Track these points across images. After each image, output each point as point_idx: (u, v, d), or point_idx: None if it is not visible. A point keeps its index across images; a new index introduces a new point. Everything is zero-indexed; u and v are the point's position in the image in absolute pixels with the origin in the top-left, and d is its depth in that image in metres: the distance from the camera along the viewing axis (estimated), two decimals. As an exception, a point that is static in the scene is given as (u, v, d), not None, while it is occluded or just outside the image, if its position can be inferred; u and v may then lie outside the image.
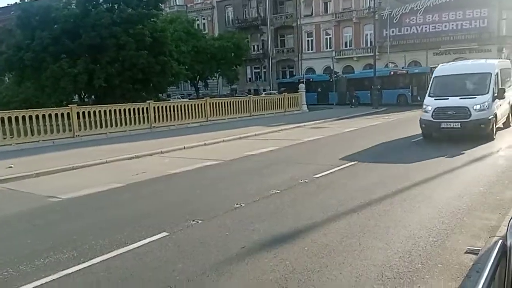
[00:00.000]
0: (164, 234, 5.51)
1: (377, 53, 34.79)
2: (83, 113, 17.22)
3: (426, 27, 40.41)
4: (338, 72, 39.68)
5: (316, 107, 30.90)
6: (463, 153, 10.23)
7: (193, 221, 5.99)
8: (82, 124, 17.22)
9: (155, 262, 4.70)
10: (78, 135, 16.91)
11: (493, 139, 11.94)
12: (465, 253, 4.42)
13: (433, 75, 13.36)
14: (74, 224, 6.41)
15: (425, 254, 4.47)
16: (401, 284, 3.84)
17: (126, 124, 18.67)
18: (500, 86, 12.48)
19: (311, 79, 38.64)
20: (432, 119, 12.04)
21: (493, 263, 1.85)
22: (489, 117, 11.63)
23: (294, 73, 50.62)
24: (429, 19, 40.28)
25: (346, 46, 46.65)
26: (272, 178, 8.72)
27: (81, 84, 25.03)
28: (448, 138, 12.20)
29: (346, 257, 4.51)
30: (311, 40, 49.35)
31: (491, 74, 12.28)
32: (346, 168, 9.33)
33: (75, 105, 19.33)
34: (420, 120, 12.59)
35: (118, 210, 7.19)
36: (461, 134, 11.80)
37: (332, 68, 40.31)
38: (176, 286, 4.05)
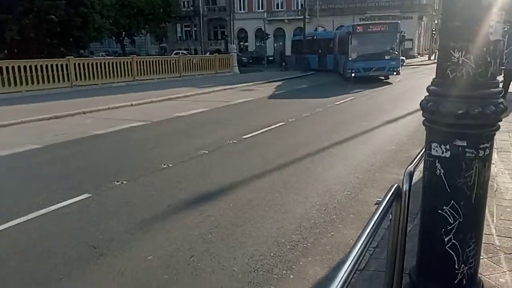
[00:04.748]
0: (86, 195, 5.36)
1: (307, 16, 35.20)
2: (-6, 69, 15.70)
3: (354, -8, 41.56)
4: (269, 34, 39.55)
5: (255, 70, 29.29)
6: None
7: (118, 181, 5.88)
8: (-8, 81, 15.73)
9: (76, 223, 4.59)
10: (-12, 93, 15.46)
11: None
12: (375, 204, 4.85)
13: None
14: (-14, 188, 6.00)
15: (340, 206, 4.85)
16: (316, 233, 4.16)
17: (44, 82, 17.33)
18: None
19: (314, 36, 32.51)
20: None
21: (386, 204, 2.08)
22: None
23: (225, 34, 49.75)
24: (357, -15, 41.41)
25: (277, 7, 46.63)
26: (201, 139, 8.72)
27: (-12, 36, 22.65)
28: None
29: (268, 211, 4.75)
30: (243, -1, 48.59)
31: None
32: (275, 129, 9.60)
33: (-17, 60, 17.52)
34: None
35: (35, 172, 6.80)
36: None
37: (263, 29, 40.24)
38: (99, 246, 4.01)
